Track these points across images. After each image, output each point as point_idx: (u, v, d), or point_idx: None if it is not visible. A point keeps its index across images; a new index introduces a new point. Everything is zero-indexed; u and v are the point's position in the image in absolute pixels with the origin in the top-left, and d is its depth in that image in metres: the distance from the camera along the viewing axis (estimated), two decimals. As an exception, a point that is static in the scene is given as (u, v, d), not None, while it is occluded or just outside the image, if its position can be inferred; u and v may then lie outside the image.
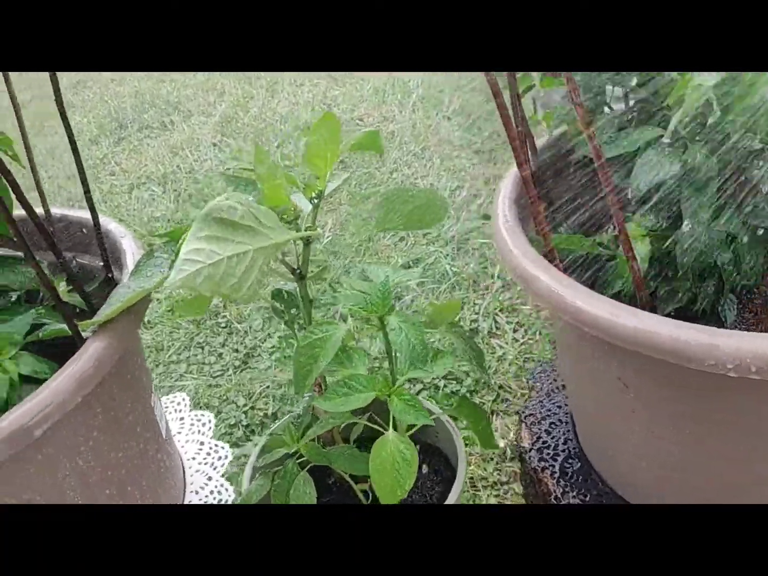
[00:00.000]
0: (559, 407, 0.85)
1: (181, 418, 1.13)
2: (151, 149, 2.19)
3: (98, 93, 2.78)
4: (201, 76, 2.76)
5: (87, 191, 0.75)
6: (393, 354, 0.68)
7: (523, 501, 0.88)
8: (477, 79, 2.42)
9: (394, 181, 1.92)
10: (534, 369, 0.91)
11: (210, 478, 0.99)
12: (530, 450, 0.81)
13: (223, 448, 1.05)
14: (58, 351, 0.68)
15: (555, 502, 0.75)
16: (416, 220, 0.70)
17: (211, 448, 1.06)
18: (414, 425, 0.70)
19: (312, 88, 2.45)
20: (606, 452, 0.76)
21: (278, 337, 1.29)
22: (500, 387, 1.10)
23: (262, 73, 2.58)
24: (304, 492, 0.69)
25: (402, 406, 0.62)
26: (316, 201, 0.65)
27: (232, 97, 2.47)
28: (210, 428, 1.10)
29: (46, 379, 0.59)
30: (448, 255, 1.48)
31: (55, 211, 0.83)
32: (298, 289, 0.71)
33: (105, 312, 0.60)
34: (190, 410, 1.15)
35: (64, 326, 0.62)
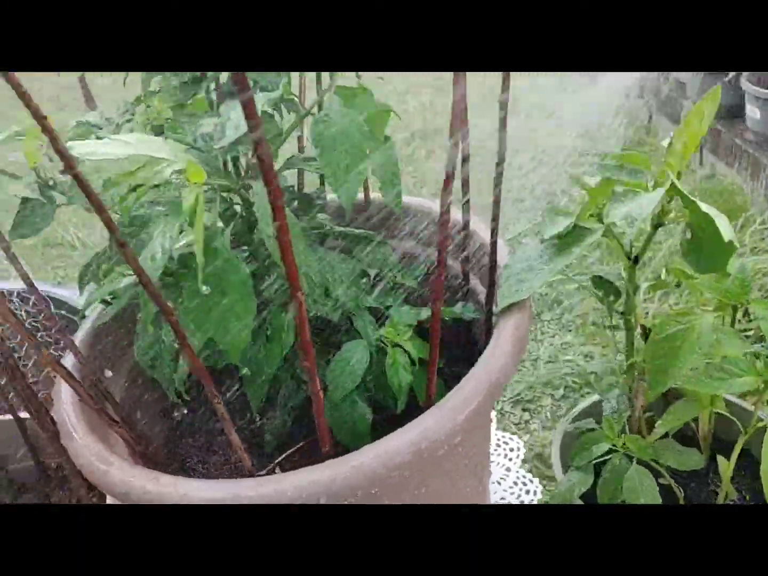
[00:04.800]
0: None
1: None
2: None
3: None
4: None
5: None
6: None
7: None
8: (580, 90, 2.39)
9: (524, 187, 1.89)
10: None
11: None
12: None
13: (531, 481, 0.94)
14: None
15: None
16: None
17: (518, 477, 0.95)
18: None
19: (415, 96, 2.44)
20: None
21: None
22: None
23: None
24: (641, 486, 0.66)
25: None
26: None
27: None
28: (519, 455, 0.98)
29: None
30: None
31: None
32: (626, 274, 0.68)
33: (520, 292, 0.56)
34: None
35: (454, 309, 0.60)
